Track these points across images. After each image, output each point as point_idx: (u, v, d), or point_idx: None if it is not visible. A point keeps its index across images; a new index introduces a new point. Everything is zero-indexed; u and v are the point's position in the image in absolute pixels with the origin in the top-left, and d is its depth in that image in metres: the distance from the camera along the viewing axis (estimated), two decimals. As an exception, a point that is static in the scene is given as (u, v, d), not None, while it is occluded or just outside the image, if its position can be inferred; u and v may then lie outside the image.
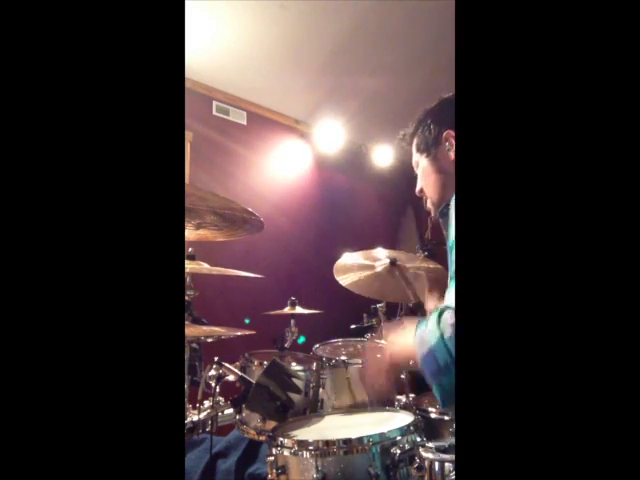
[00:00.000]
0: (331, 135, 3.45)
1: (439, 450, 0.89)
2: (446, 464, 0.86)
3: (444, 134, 0.99)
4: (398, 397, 1.57)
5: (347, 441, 0.95)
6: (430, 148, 1.03)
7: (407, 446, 0.96)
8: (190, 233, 1.24)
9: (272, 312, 1.69)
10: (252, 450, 1.41)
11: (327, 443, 0.96)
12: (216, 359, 1.17)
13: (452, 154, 0.98)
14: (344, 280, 1.74)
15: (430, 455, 0.88)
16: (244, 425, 1.30)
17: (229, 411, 1.29)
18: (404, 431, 0.99)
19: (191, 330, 1.12)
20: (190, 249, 1.28)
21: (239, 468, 1.37)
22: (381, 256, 1.74)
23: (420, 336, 0.78)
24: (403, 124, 1.13)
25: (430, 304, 1.29)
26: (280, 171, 3.32)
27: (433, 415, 1.45)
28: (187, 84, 2.78)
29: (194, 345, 1.23)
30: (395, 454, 0.94)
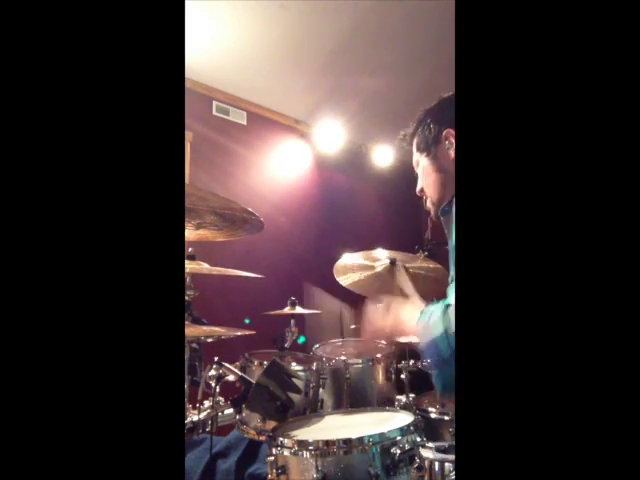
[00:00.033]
0: (331, 135, 3.45)
1: (439, 450, 0.89)
2: (446, 464, 0.86)
3: (444, 133, 0.99)
4: (398, 397, 1.57)
5: (347, 441, 0.95)
6: (430, 147, 1.03)
7: (407, 446, 0.96)
8: (190, 233, 1.24)
9: (272, 312, 1.69)
10: (252, 450, 1.41)
11: (327, 443, 0.96)
12: (216, 359, 1.17)
13: (452, 153, 0.98)
14: (344, 280, 1.74)
15: (430, 455, 0.88)
16: (244, 425, 1.30)
17: (229, 411, 1.29)
18: (404, 431, 0.99)
19: (191, 330, 1.12)
20: (190, 249, 1.28)
21: (239, 468, 1.37)
22: (381, 256, 1.74)
23: (424, 324, 0.80)
24: (403, 124, 1.13)
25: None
26: (280, 171, 3.32)
27: (433, 415, 1.45)
28: (187, 84, 2.78)
29: (194, 345, 1.23)
30: (395, 454, 0.94)
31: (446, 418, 1.42)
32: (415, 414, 1.20)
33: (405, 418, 1.10)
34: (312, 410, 1.36)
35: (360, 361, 1.50)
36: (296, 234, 3.21)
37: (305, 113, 3.35)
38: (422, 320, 0.82)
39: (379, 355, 1.55)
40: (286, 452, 0.99)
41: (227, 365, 1.16)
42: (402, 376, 1.65)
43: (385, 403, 1.47)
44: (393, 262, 1.69)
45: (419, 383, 1.75)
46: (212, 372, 1.17)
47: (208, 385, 1.17)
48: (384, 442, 0.95)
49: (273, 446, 1.02)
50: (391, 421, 1.11)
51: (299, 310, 1.67)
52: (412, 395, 1.63)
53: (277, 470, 0.99)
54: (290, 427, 1.13)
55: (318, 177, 3.54)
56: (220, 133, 2.99)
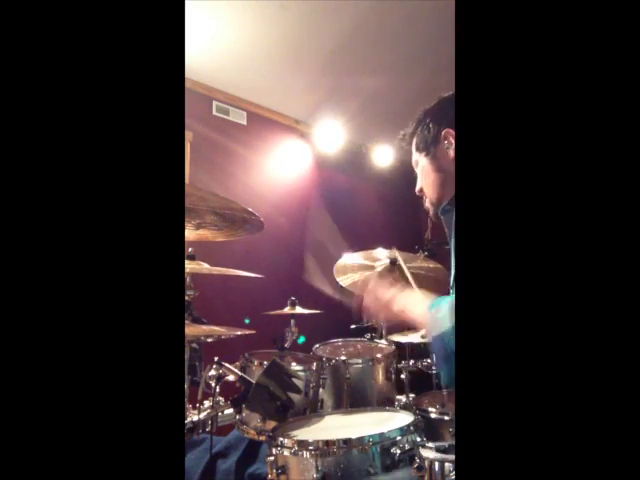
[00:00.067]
0: (331, 135, 3.45)
1: (439, 450, 0.89)
2: (446, 464, 0.86)
3: (443, 133, 0.99)
4: (398, 397, 1.57)
5: (347, 441, 0.95)
6: (429, 147, 1.03)
7: (407, 446, 0.96)
8: (190, 233, 1.24)
9: (272, 312, 1.69)
10: (252, 450, 1.41)
11: (327, 443, 0.96)
12: (216, 359, 1.17)
13: (451, 152, 0.98)
14: (344, 281, 1.74)
15: (430, 455, 0.88)
16: (244, 425, 1.30)
17: (229, 411, 1.29)
18: (404, 431, 0.99)
19: (191, 330, 1.12)
20: (190, 249, 1.28)
21: (239, 468, 1.37)
22: (381, 256, 1.74)
23: (434, 317, 0.81)
24: (403, 124, 1.13)
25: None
26: (280, 171, 3.32)
27: (433, 415, 1.45)
28: (187, 84, 2.78)
29: (194, 345, 1.23)
30: (395, 454, 0.94)
31: (446, 418, 1.42)
32: (415, 414, 1.20)
33: (405, 418, 1.10)
34: (312, 410, 1.36)
35: (360, 361, 1.50)
36: (296, 234, 3.21)
37: (305, 113, 3.35)
38: (432, 313, 0.83)
39: (379, 355, 1.55)
40: (286, 452, 0.99)
41: (227, 365, 1.16)
42: (402, 376, 1.65)
43: (385, 403, 1.46)
44: (393, 262, 1.69)
45: (419, 383, 1.75)
46: (212, 372, 1.17)
47: (208, 385, 1.17)
48: (384, 442, 0.95)
49: (273, 446, 1.02)
50: (391, 421, 1.11)
51: (299, 310, 1.67)
52: (412, 395, 1.63)
53: (277, 470, 0.99)
54: (290, 427, 1.13)
55: (318, 177, 3.54)
56: (220, 133, 2.99)
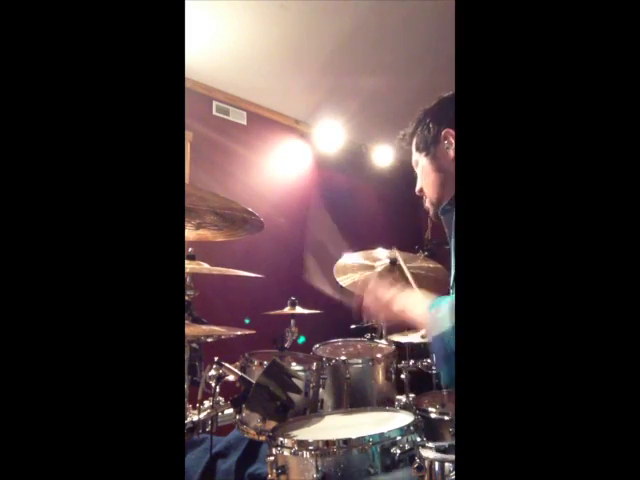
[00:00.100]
0: (331, 135, 3.45)
1: (439, 450, 0.89)
2: (446, 464, 0.86)
3: (443, 133, 1.00)
4: (398, 397, 1.57)
5: (347, 441, 0.95)
6: (429, 147, 1.03)
7: (407, 446, 0.96)
8: (190, 233, 1.24)
9: (272, 312, 1.69)
10: (252, 450, 1.41)
11: (327, 443, 0.96)
12: (216, 359, 1.17)
13: (451, 152, 0.98)
14: (344, 281, 1.74)
15: (430, 455, 0.88)
16: (244, 425, 1.30)
17: (229, 411, 1.29)
18: (404, 431, 0.99)
19: (191, 330, 1.12)
20: (190, 249, 1.28)
21: (239, 468, 1.37)
22: (381, 256, 1.74)
23: (434, 317, 0.81)
24: (403, 124, 1.13)
25: None
26: (280, 171, 3.32)
27: (433, 415, 1.45)
28: (187, 84, 2.78)
29: (194, 345, 1.23)
30: (395, 454, 0.94)
31: (446, 418, 1.42)
32: (415, 414, 1.20)
33: (405, 418, 1.10)
34: (312, 410, 1.36)
35: (360, 361, 1.50)
36: (296, 234, 3.21)
37: (305, 113, 3.35)
38: (432, 313, 0.83)
39: (379, 355, 1.55)
40: (286, 452, 0.99)
41: (227, 365, 1.16)
42: (402, 376, 1.65)
43: (385, 403, 1.46)
44: (393, 262, 1.69)
45: (419, 383, 1.75)
46: (212, 372, 1.17)
47: (208, 385, 1.17)
48: (384, 442, 0.96)
49: (273, 446, 1.02)
50: (391, 421, 1.11)
51: (299, 310, 1.67)
52: (412, 395, 1.63)
53: (277, 470, 0.99)
54: (290, 427, 1.13)
55: (318, 177, 3.54)
56: (220, 133, 2.99)
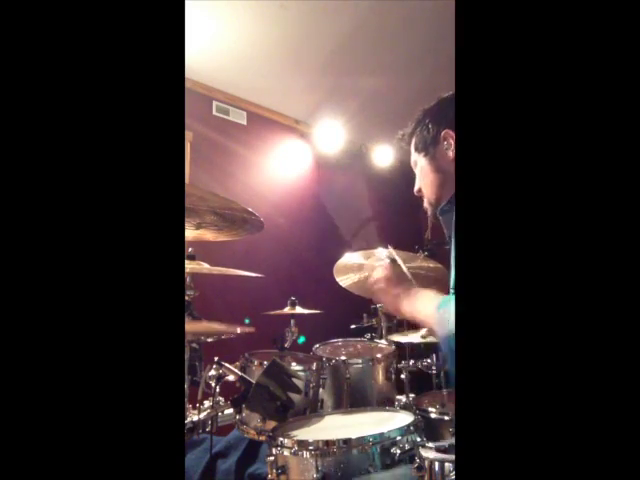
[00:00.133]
0: (331, 135, 3.45)
1: (439, 450, 0.89)
2: (446, 464, 0.86)
3: (442, 133, 1.00)
4: (398, 397, 1.57)
5: (347, 441, 0.95)
6: (428, 147, 1.03)
7: (407, 446, 0.97)
8: (190, 233, 1.24)
9: (272, 312, 1.69)
10: (252, 450, 1.41)
11: (327, 443, 0.96)
12: (216, 359, 1.17)
13: (451, 153, 0.98)
14: (344, 281, 1.74)
15: (430, 455, 0.88)
16: (244, 425, 1.30)
17: (229, 411, 1.29)
18: (404, 431, 0.99)
19: (191, 326, 1.12)
20: (190, 249, 1.28)
21: (239, 468, 1.37)
22: (381, 256, 1.74)
23: (441, 316, 0.81)
24: (403, 124, 1.13)
25: None
26: (280, 171, 3.32)
27: (433, 415, 1.45)
28: (187, 84, 2.78)
29: (194, 345, 1.23)
30: (395, 454, 0.95)
31: (446, 418, 1.42)
32: (415, 414, 1.20)
33: (405, 418, 1.10)
34: (312, 410, 1.36)
35: (360, 361, 1.50)
36: (296, 234, 3.21)
37: (305, 113, 3.35)
38: (440, 312, 0.84)
39: (379, 355, 1.55)
40: (286, 452, 0.99)
41: (227, 365, 1.16)
42: (402, 376, 1.65)
43: (385, 403, 1.47)
44: (394, 261, 1.69)
45: (419, 383, 1.75)
46: (212, 372, 1.17)
47: (208, 385, 1.17)
48: (384, 442, 0.96)
49: (273, 446, 1.02)
50: (391, 421, 1.11)
51: (299, 310, 1.67)
52: (412, 395, 1.63)
53: (277, 470, 0.99)
54: (290, 427, 1.13)
55: (318, 177, 3.54)
56: (220, 133, 2.99)
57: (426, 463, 0.87)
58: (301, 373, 1.33)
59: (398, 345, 1.69)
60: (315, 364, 1.41)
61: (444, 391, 1.63)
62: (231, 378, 1.16)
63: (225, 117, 3.06)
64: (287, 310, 1.67)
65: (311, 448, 0.96)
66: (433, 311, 0.88)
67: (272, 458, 1.01)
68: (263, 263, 2.74)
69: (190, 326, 1.11)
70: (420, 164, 1.07)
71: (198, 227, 1.21)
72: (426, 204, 1.08)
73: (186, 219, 1.15)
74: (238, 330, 1.18)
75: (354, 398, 1.43)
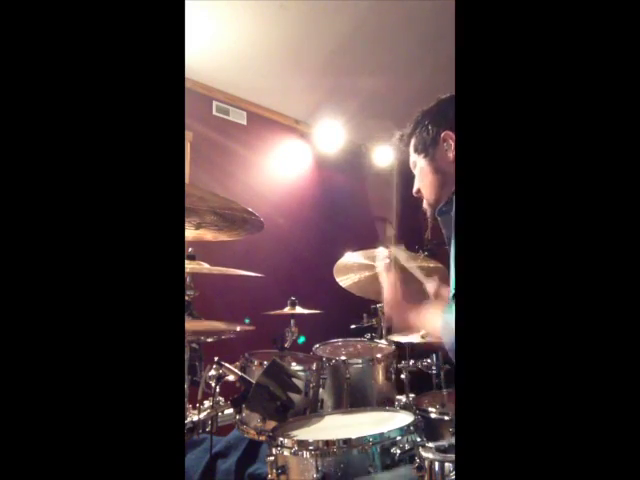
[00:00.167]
0: (331, 135, 3.45)
1: (439, 450, 0.89)
2: (446, 464, 0.86)
3: (442, 135, 1.00)
4: (398, 397, 1.57)
5: (347, 441, 0.95)
6: (428, 149, 1.03)
7: (407, 446, 0.97)
8: (190, 233, 1.24)
9: (272, 312, 1.69)
10: (252, 450, 1.41)
11: (327, 443, 0.96)
12: (216, 359, 1.17)
13: (450, 154, 0.98)
14: (344, 281, 1.74)
15: (430, 455, 0.88)
16: (244, 425, 1.31)
17: (229, 411, 1.29)
18: (404, 431, 0.99)
19: (191, 325, 1.12)
20: (190, 249, 1.28)
21: (239, 468, 1.37)
22: (382, 255, 1.74)
23: (448, 324, 0.82)
24: (403, 124, 1.13)
25: (430, 287, 1.30)
26: (280, 171, 3.32)
27: (433, 415, 1.45)
28: (187, 84, 2.78)
29: (194, 345, 1.23)
30: (395, 454, 0.95)
31: (446, 418, 1.42)
32: (415, 414, 1.20)
33: (405, 418, 1.10)
34: (312, 410, 1.36)
35: (360, 361, 1.50)
36: (296, 234, 3.21)
37: (305, 113, 3.35)
38: (446, 319, 0.84)
39: (379, 355, 1.55)
40: (286, 452, 0.99)
41: (227, 365, 1.16)
42: (402, 376, 1.65)
43: (385, 403, 1.47)
44: (397, 261, 1.69)
45: (419, 383, 1.75)
46: (212, 372, 1.17)
47: (208, 385, 1.17)
48: (384, 442, 0.96)
49: (273, 446, 1.02)
50: (391, 421, 1.11)
51: (299, 310, 1.67)
52: (412, 395, 1.63)
53: (277, 470, 0.99)
54: (290, 427, 1.13)
55: (318, 177, 3.54)
56: (220, 133, 2.99)
57: (426, 463, 0.88)
58: (301, 373, 1.33)
59: (398, 345, 1.69)
60: (315, 364, 1.41)
61: (444, 391, 1.63)
62: (231, 378, 1.16)
63: (225, 117, 3.05)
64: (287, 310, 1.67)
65: (311, 448, 0.96)
66: (440, 321, 0.89)
67: (272, 458, 1.01)
68: (263, 263, 2.74)
69: (190, 326, 1.11)
70: (419, 165, 1.07)
71: (198, 227, 1.21)
72: (425, 205, 1.08)
73: (186, 219, 1.15)
74: (238, 328, 1.19)
75: (354, 398, 1.43)
